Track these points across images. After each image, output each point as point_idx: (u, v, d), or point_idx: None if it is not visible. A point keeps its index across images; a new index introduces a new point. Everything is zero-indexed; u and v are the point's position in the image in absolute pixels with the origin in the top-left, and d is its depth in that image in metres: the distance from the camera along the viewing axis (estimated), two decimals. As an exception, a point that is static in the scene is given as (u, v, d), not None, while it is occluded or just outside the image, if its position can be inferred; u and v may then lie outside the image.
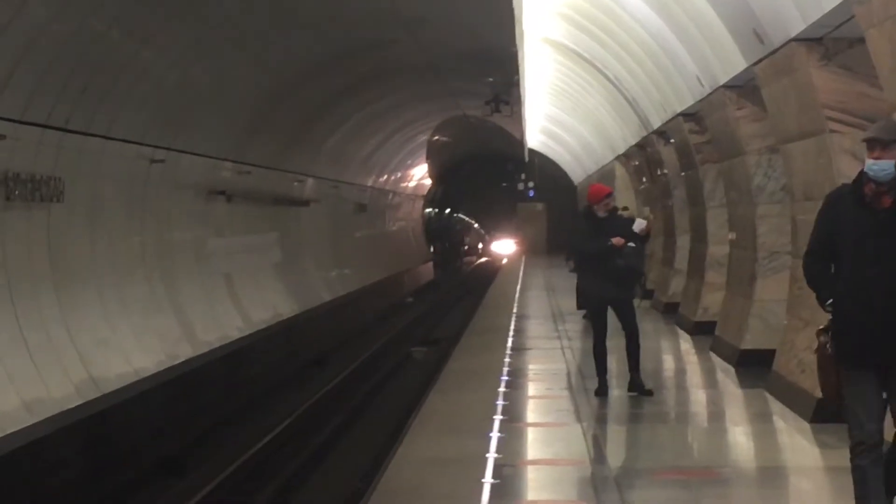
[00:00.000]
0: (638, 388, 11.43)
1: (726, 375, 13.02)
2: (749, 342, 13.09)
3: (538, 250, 50.19)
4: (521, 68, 19.97)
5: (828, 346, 5.93)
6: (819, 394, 9.53)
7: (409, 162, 40.52)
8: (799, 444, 9.44)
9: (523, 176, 52.81)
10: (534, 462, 8.82)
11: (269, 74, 18.73)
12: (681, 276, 19.37)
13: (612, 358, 11.73)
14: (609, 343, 11.55)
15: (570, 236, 18.40)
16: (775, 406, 10.68)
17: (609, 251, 11.14)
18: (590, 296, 11.85)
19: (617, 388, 11.67)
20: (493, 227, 59.38)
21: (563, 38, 19.41)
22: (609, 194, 11.49)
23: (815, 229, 6.11)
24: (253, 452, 13.68)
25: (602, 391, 11.40)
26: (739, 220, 14.20)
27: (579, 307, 18.19)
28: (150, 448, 13.70)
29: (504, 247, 58.08)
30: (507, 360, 14.20)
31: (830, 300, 5.92)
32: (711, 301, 16.26)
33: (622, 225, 11.49)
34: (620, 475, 8.18)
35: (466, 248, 62.28)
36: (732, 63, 12.04)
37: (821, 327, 6.03)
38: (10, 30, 10.59)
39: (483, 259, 58.32)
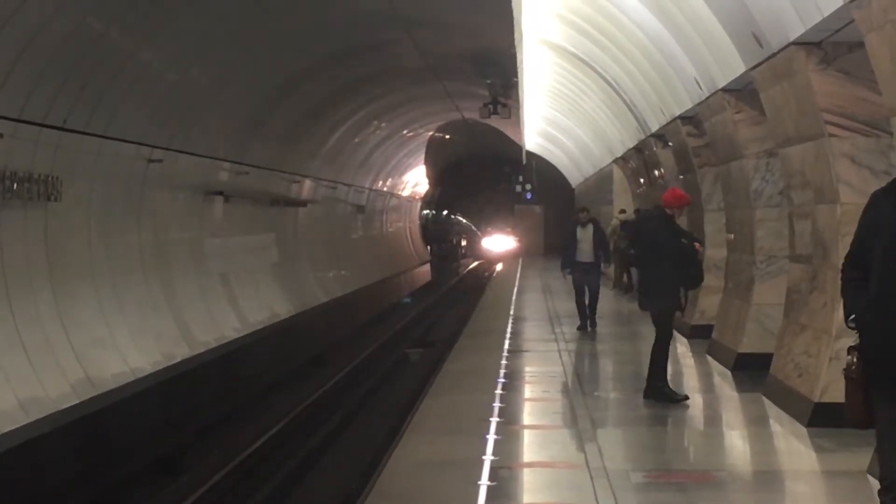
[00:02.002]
0: (663, 395, 11.17)
1: (723, 379, 13.01)
2: (746, 346, 13.08)
3: (535, 252, 50.29)
4: (519, 70, 19.95)
5: (853, 367, 5.20)
6: (816, 398, 9.60)
7: (408, 163, 40.51)
8: (795, 448, 9.43)
9: (521, 178, 52.81)
10: (530, 465, 8.81)
11: (268, 75, 18.72)
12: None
13: (611, 360, 11.71)
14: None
15: (568, 240, 18.46)
16: (772, 410, 10.67)
17: (691, 252, 11.17)
18: (652, 296, 11.35)
19: (613, 391, 11.66)
20: (489, 229, 59.25)
21: (561, 41, 19.39)
22: (689, 203, 11.52)
23: (855, 233, 5.40)
24: (249, 453, 13.66)
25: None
26: (737, 223, 14.19)
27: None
28: (146, 447, 13.68)
29: (497, 243, 57.32)
30: (503, 362, 14.20)
31: (853, 316, 5.20)
32: (708, 304, 16.24)
33: (684, 232, 11.67)
34: (616, 478, 8.16)
35: (464, 250, 62.22)
36: (731, 66, 12.02)
37: (851, 344, 5.28)
38: (8, 28, 10.57)
39: (476, 262, 58.06)
